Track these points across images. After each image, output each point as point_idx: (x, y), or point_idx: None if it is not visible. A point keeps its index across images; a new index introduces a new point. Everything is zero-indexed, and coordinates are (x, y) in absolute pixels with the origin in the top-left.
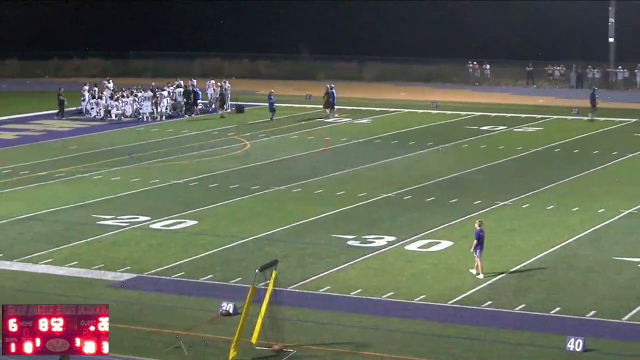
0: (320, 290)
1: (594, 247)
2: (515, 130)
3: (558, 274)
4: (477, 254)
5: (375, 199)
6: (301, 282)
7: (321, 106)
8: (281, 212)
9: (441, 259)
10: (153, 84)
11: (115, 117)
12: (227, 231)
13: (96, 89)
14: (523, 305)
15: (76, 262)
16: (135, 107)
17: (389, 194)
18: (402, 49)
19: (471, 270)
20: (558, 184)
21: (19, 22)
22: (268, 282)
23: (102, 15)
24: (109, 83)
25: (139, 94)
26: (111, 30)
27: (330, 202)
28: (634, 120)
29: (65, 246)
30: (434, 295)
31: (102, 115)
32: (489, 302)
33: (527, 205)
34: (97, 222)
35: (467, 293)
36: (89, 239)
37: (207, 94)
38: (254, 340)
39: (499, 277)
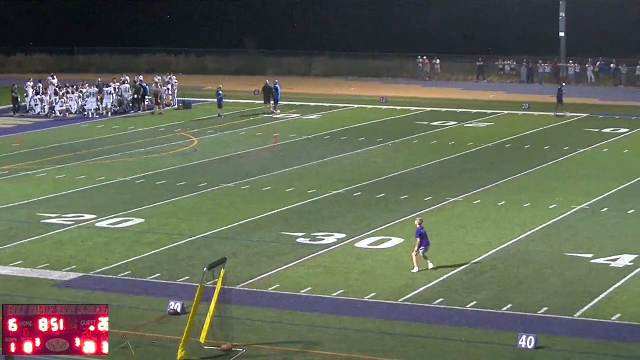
0: (270, 289)
1: (546, 243)
2: (466, 125)
3: (510, 270)
4: (421, 251)
5: (325, 196)
6: (250, 281)
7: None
8: (229, 209)
9: (392, 256)
10: (99, 80)
11: (60, 113)
12: (174, 229)
13: (40, 85)
14: (475, 302)
15: (21, 262)
16: (80, 103)
17: (338, 191)
18: (351, 44)
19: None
20: (509, 180)
21: None
22: (217, 280)
23: (47, 11)
24: (54, 79)
25: (84, 90)
26: (56, 26)
27: (279, 199)
28: (585, 115)
29: (10, 245)
30: (385, 293)
31: (46, 112)
32: (440, 300)
33: (478, 201)
34: (42, 221)
35: (419, 291)
36: (33, 238)
37: (153, 90)
38: (202, 339)
39: (450, 274)
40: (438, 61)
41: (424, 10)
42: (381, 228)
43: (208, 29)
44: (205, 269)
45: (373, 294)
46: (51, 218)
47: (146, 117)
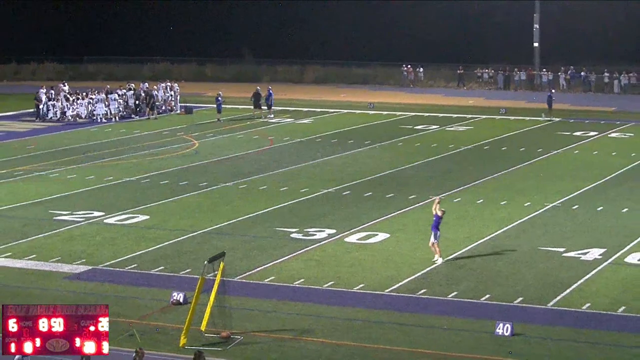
0: (265, 280)
1: (521, 238)
2: (447, 129)
3: (488, 263)
4: (436, 241)
5: (316, 194)
6: (247, 273)
7: (264, 108)
8: (228, 207)
9: (378, 250)
10: (107, 86)
11: (71, 118)
12: (177, 225)
13: (52, 91)
14: (455, 293)
15: (34, 256)
16: (89, 108)
17: (329, 190)
18: (341, 54)
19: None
20: (487, 179)
21: None
22: (216, 273)
23: (58, 22)
24: (65, 86)
25: (93, 96)
26: (67, 37)
27: (274, 197)
28: (557, 119)
29: (24, 240)
30: (372, 285)
31: (58, 117)
32: (423, 291)
33: (459, 199)
34: (54, 218)
35: (403, 282)
36: (46, 234)
37: (158, 96)
38: (203, 327)
39: (432, 266)
40: (421, 69)
41: (409, 23)
42: (369, 224)
43: (208, 39)
44: (205, 262)
45: (361, 285)
46: (63, 215)
47: (150, 122)
